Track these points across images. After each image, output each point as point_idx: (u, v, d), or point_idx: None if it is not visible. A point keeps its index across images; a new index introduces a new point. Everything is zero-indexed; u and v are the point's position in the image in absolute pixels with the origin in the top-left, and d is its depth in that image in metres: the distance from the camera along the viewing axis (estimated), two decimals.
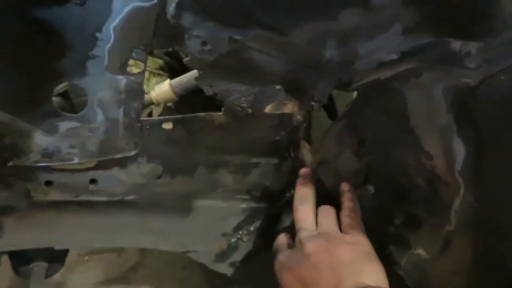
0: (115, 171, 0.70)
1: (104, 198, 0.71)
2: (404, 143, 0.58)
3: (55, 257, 0.84)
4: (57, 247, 0.72)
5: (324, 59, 0.60)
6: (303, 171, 0.73)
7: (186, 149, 0.72)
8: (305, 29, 0.56)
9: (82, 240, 0.73)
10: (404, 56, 0.52)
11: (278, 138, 0.76)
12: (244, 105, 0.70)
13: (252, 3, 0.55)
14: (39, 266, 0.82)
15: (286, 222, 0.85)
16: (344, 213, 0.65)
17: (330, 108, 0.99)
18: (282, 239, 0.70)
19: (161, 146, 0.70)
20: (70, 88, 0.98)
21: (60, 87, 1.09)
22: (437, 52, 0.49)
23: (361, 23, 0.51)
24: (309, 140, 0.86)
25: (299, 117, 0.75)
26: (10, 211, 0.66)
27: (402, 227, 0.64)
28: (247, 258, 0.87)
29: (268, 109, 0.73)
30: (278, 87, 0.70)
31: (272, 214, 0.85)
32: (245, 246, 0.85)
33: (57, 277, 1.52)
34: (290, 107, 0.74)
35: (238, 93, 0.69)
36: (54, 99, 1.10)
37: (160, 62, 1.29)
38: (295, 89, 0.70)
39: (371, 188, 0.67)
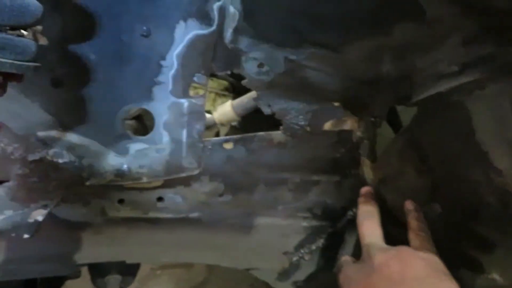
0: (180, 190, 0.73)
1: (170, 215, 0.75)
2: (470, 158, 0.54)
3: (128, 271, 0.90)
4: (129, 261, 0.77)
5: (381, 74, 0.59)
6: (364, 190, 0.71)
7: (246, 168, 0.74)
8: (359, 45, 0.55)
9: (151, 255, 0.77)
10: (466, 67, 0.50)
11: (338, 155, 0.75)
12: (302, 123, 0.71)
13: (305, 23, 0.56)
14: (113, 279, 0.88)
15: (349, 242, 0.83)
16: (413, 233, 0.62)
17: (394, 123, 0.96)
18: (346, 257, 0.69)
19: (223, 165, 0.73)
20: (143, 111, 1.05)
21: (133, 111, 1.18)
22: (501, 63, 0.46)
23: (417, 36, 0.50)
24: (374, 158, 0.84)
25: (358, 133, 0.74)
26: (87, 226, 0.72)
27: (474, 249, 0.60)
28: (310, 277, 0.86)
29: (327, 126, 0.73)
30: (336, 104, 0.70)
31: (335, 233, 0.83)
32: (308, 265, 0.85)
33: None
34: (349, 124, 0.74)
35: (296, 111, 0.70)
36: (129, 122, 1.19)
37: (225, 83, 1.35)
38: (354, 105, 0.69)
39: (437, 207, 0.64)
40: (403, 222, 0.65)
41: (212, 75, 1.37)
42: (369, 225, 0.65)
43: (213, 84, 1.33)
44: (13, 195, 0.65)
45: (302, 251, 0.83)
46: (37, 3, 0.32)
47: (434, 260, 0.56)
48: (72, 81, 0.60)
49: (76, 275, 0.90)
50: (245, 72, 0.63)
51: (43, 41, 0.57)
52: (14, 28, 0.31)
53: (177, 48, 0.60)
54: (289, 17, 0.56)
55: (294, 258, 0.84)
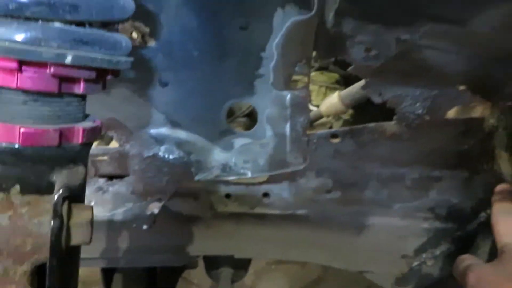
0: (286, 185, 0.71)
1: (276, 212, 0.73)
2: None
3: (240, 265, 0.91)
4: (237, 255, 0.78)
5: None
6: (500, 187, 0.61)
7: (356, 162, 0.69)
8: (490, 14, 0.46)
9: (258, 251, 0.77)
10: None
11: (465, 147, 0.66)
12: (420, 111, 0.62)
13: None
14: (226, 272, 0.90)
15: (483, 247, 0.72)
16: None
17: None
18: (469, 256, 0.59)
19: (330, 159, 0.68)
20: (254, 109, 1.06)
21: (245, 108, 1.20)
22: None
23: None
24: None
25: (492, 121, 0.63)
26: (198, 220, 0.74)
27: None
28: (434, 285, 0.76)
29: (450, 114, 0.64)
30: (461, 87, 0.60)
31: (464, 237, 0.73)
32: (431, 271, 0.76)
33: (248, 282, 1.67)
34: (479, 110, 0.64)
35: (411, 98, 0.62)
36: (241, 119, 1.21)
37: (336, 76, 1.29)
38: (484, 88, 0.59)
39: None
40: None
41: (322, 68, 1.33)
42: (508, 222, 0.56)
43: (323, 77, 1.29)
44: (132, 189, 0.70)
45: (423, 255, 0.75)
46: None
47: None
48: (178, 79, 0.62)
49: (194, 265, 0.95)
50: (351, 58, 0.58)
51: (151, 42, 0.60)
52: (104, 23, 0.32)
53: (276, 38, 0.57)
54: None
55: (415, 263, 0.75)
